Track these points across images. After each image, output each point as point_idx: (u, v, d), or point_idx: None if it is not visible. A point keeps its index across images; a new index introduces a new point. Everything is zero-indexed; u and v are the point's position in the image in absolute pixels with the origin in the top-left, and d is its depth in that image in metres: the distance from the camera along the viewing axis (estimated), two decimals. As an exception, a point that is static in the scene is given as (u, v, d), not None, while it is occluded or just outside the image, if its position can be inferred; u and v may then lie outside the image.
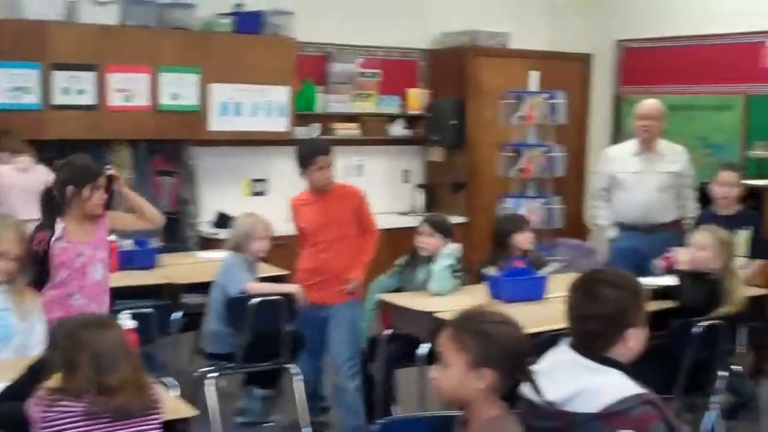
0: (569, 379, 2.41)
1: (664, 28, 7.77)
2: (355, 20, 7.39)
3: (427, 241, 4.84)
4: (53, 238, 3.82)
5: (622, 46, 8.21)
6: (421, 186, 7.90)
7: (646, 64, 7.99)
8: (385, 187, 7.80)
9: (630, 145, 5.92)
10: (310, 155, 4.63)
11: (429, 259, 4.80)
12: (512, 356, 2.34)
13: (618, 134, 8.19)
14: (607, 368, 2.41)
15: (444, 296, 4.61)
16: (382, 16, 7.54)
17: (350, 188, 4.87)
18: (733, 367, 4.67)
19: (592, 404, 2.35)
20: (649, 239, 5.49)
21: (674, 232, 5.58)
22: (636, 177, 5.74)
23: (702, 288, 4.46)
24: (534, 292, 4.54)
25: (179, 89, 6.46)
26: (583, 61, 8.29)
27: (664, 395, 4.16)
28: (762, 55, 7.10)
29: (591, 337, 2.45)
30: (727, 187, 5.38)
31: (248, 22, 6.73)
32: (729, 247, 4.55)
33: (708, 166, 7.12)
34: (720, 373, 4.52)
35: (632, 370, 2.56)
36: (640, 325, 2.47)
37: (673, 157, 5.82)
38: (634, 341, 2.45)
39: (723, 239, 4.54)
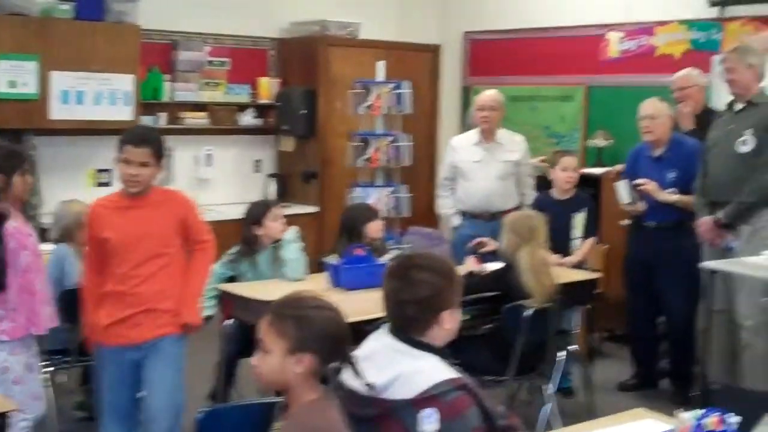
0: (387, 365, 2.44)
1: (510, 20, 7.96)
2: (202, 8, 7.29)
3: (281, 227, 4.83)
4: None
5: (469, 37, 8.37)
6: (272, 176, 7.87)
7: (493, 55, 8.17)
8: (236, 177, 7.75)
9: (471, 135, 6.07)
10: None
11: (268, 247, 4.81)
12: (331, 340, 2.36)
13: (466, 124, 8.34)
14: (423, 353, 2.46)
15: (302, 281, 4.63)
16: (231, 4, 7.47)
17: (174, 193, 3.98)
18: (569, 348, 4.86)
19: (407, 389, 2.39)
20: (491, 226, 5.63)
21: None
22: (477, 166, 5.90)
23: (498, 275, 4.59)
24: (374, 279, 4.54)
25: (17, 77, 6.25)
26: (431, 51, 8.41)
27: (499, 378, 4.34)
28: (602, 47, 7.34)
29: (407, 321, 2.49)
30: (570, 171, 5.57)
31: (90, 9, 6.55)
32: (525, 233, 4.58)
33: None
34: (557, 354, 4.69)
35: (467, 354, 2.62)
36: (454, 307, 2.53)
37: (513, 146, 6.01)
38: (449, 323, 2.51)
39: (516, 224, 4.64)
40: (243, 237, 4.91)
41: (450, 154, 6.12)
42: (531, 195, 6.01)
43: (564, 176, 5.54)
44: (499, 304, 4.45)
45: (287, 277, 4.69)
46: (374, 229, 5.09)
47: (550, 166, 5.73)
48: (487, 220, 5.81)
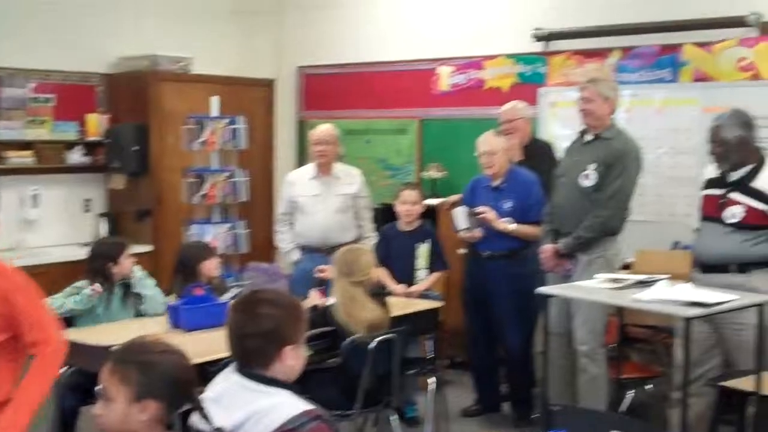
0: (238, 405, 2.40)
1: (343, 55, 8.03)
2: (25, 43, 6.99)
3: (131, 265, 4.83)
4: None
5: (303, 72, 8.39)
6: (103, 215, 7.60)
7: (327, 89, 8.22)
8: (64, 217, 7.42)
9: (308, 169, 6.07)
10: None
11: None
12: (176, 385, 2.31)
13: (302, 158, 8.34)
14: (274, 389, 2.42)
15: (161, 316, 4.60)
16: (56, 39, 7.19)
17: None
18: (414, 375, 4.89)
19: (262, 427, 2.35)
20: (330, 260, 5.62)
21: None
22: (315, 200, 5.90)
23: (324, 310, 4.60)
24: (215, 319, 4.47)
25: None
26: (266, 86, 8.37)
27: (346, 412, 4.31)
28: (433, 81, 7.50)
29: (249, 354, 2.46)
30: (409, 205, 5.74)
31: None
32: (342, 267, 4.59)
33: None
34: (403, 383, 4.72)
35: (313, 390, 2.59)
36: (298, 343, 2.51)
37: (349, 179, 6.05)
38: (292, 359, 2.48)
39: (337, 258, 4.66)
40: (92, 273, 4.78)
41: (287, 189, 6.09)
42: (369, 227, 6.07)
43: (404, 209, 5.71)
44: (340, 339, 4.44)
45: (148, 313, 4.71)
46: (211, 267, 5.04)
47: (394, 199, 5.88)
48: (326, 254, 5.79)
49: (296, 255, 6.00)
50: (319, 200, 5.91)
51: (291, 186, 6.05)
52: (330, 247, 5.75)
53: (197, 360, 3.91)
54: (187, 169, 6.91)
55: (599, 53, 6.57)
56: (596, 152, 4.94)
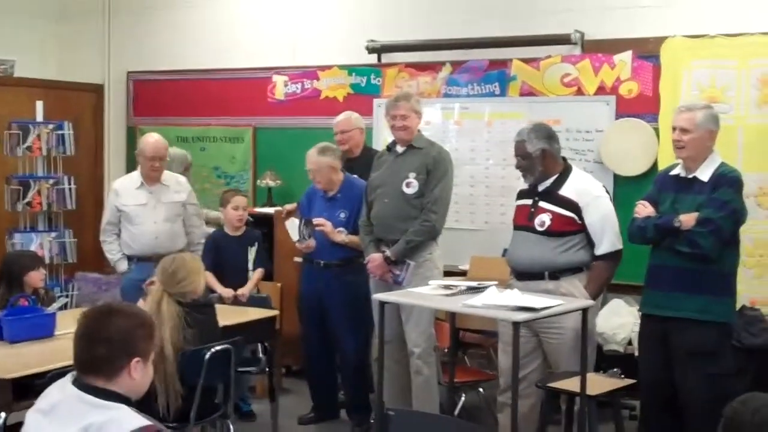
0: (71, 418, 2.30)
1: (176, 61, 7.89)
2: None
3: None
4: None
5: (133, 77, 8.19)
6: None
7: (159, 95, 8.05)
8: None
9: (134, 178, 5.92)
10: None
11: None
12: None
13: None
14: (111, 403, 2.34)
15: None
16: None
17: None
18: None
19: (98, 441, 2.27)
20: None
21: None
22: (143, 209, 5.77)
23: None
24: (41, 330, 4.33)
25: None
26: (94, 91, 8.13)
27: (182, 424, 4.23)
28: (269, 90, 7.47)
29: (96, 362, 2.37)
30: (241, 210, 5.84)
31: None
32: (164, 276, 4.48)
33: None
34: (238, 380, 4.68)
35: (142, 402, 2.52)
36: (146, 359, 2.44)
37: (177, 187, 5.95)
38: (138, 374, 2.41)
39: (159, 267, 4.56)
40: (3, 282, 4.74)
41: (112, 198, 5.90)
42: (199, 234, 6.00)
43: (237, 215, 5.82)
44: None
45: None
46: (36, 278, 4.87)
47: (221, 205, 5.90)
48: (157, 262, 5.67)
49: (124, 265, 5.83)
50: (147, 209, 5.78)
51: (117, 195, 5.86)
52: (160, 256, 5.63)
53: (22, 373, 3.77)
54: (10, 176, 6.62)
55: (431, 66, 6.73)
56: (414, 161, 5.13)
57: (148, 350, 2.46)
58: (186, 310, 4.32)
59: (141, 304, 4.60)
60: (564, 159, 4.78)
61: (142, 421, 2.33)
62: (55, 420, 2.30)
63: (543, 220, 4.61)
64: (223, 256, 5.77)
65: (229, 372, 4.45)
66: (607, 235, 4.57)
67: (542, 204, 4.65)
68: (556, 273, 4.57)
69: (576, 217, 4.58)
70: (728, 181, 4.29)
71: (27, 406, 2.50)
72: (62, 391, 2.39)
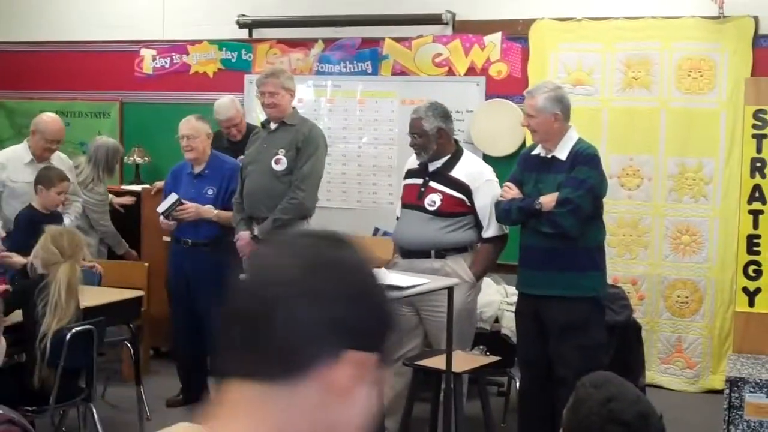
0: None
1: (40, 32, 7.58)
2: None
3: None
4: None
5: (-6, 48, 7.84)
6: None
7: (22, 67, 7.72)
8: None
9: (22, 153, 5.69)
10: None
11: None
12: None
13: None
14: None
15: None
16: None
17: None
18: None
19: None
20: None
21: None
22: (31, 186, 5.55)
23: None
24: None
25: None
26: (-49, 61, 7.74)
27: (40, 408, 4.09)
28: (136, 63, 7.27)
29: None
30: (63, 196, 5.50)
31: None
32: (68, 249, 4.38)
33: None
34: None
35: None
36: None
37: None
38: None
39: (57, 239, 4.40)
40: None
41: None
42: (75, 210, 5.85)
43: (59, 199, 5.47)
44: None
45: None
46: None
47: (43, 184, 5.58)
48: None
49: None
50: (30, 187, 5.57)
51: (3, 168, 5.62)
52: None
53: None
54: None
55: (303, 43, 6.67)
56: (284, 138, 5.09)
57: None
58: None
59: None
60: (456, 141, 4.81)
61: (-6, 408, 2.24)
62: None
63: (433, 200, 4.64)
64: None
65: (91, 354, 4.32)
66: (495, 219, 4.63)
67: (433, 184, 4.68)
68: (443, 252, 4.61)
69: (466, 199, 4.63)
70: (584, 158, 4.39)
71: None
72: None
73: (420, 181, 4.75)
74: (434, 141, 4.68)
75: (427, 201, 4.67)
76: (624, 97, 5.91)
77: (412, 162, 4.88)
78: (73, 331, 4.14)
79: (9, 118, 7.72)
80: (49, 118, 5.79)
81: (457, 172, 4.69)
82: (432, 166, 4.73)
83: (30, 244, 4.66)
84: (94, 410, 4.48)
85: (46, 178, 5.41)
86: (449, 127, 4.74)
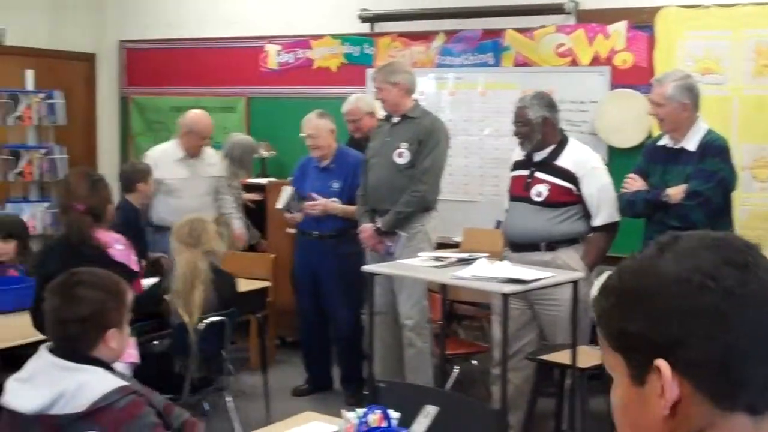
0: (48, 383, 2.33)
1: (169, 30, 7.83)
2: None
3: None
4: None
5: (125, 46, 8.13)
6: None
7: (152, 65, 7.99)
8: None
9: (173, 150, 5.89)
10: None
11: None
12: None
13: (126, 134, 8.10)
14: (87, 366, 2.36)
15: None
16: None
17: None
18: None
19: (76, 403, 2.29)
20: None
21: None
22: (183, 183, 5.77)
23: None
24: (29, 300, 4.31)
25: None
26: (86, 60, 8.06)
27: (175, 397, 4.23)
28: (261, 59, 7.42)
29: (70, 340, 2.38)
30: None
31: None
32: (189, 238, 4.51)
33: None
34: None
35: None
36: (121, 327, 2.44)
37: (214, 159, 6.02)
38: (115, 342, 2.42)
39: (178, 230, 4.54)
40: None
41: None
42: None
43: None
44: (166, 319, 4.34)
45: None
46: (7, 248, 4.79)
47: (140, 180, 5.71)
48: None
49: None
50: (188, 183, 5.79)
51: (155, 167, 5.81)
52: None
53: (9, 343, 3.76)
54: (1, 146, 6.57)
55: (424, 36, 6.67)
56: (406, 131, 5.09)
57: (122, 318, 2.46)
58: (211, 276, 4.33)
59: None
60: (561, 130, 4.76)
61: (118, 381, 2.34)
62: (32, 386, 2.32)
63: (540, 191, 4.60)
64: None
65: (224, 343, 4.43)
66: (604, 207, 4.56)
67: (539, 174, 4.63)
68: (553, 244, 4.56)
69: (573, 188, 4.57)
70: (714, 149, 4.26)
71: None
72: (39, 358, 2.40)
73: (526, 172, 4.71)
74: (539, 130, 4.63)
75: (533, 192, 4.62)
76: (755, 86, 5.69)
77: (518, 153, 4.84)
78: (206, 322, 4.26)
79: (141, 113, 8.00)
80: (198, 115, 5.98)
81: (563, 161, 4.63)
82: (537, 157, 4.68)
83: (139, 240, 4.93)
84: (227, 398, 4.60)
85: (141, 172, 5.60)
86: (554, 116, 4.68)
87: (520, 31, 6.31)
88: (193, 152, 5.87)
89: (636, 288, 1.02)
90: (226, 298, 4.39)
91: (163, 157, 5.89)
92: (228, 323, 4.40)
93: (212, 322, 4.29)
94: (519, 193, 4.71)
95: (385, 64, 5.43)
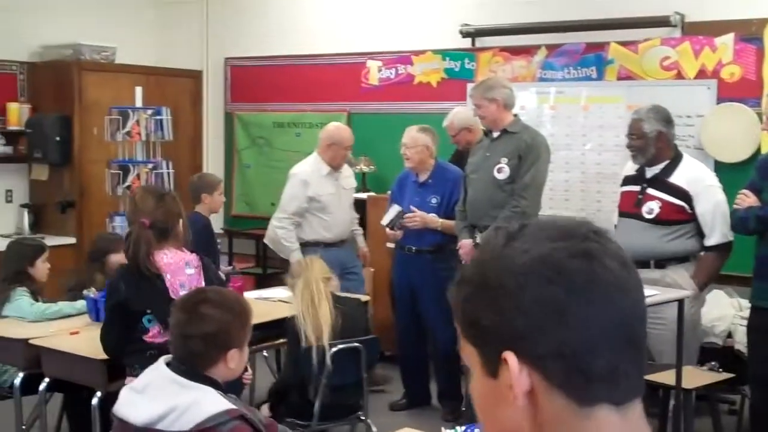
0: (162, 397, 2.38)
1: (271, 47, 7.96)
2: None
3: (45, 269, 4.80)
4: None
5: (230, 63, 8.30)
6: (25, 206, 7.43)
7: (255, 81, 8.14)
8: (-16, 208, 7.27)
9: (318, 166, 5.94)
10: None
11: None
12: None
13: (230, 150, 8.26)
14: (200, 385, 2.40)
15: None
16: (-25, 25, 7.02)
17: None
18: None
19: (183, 421, 2.32)
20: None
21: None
22: (332, 198, 5.88)
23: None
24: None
25: None
26: (192, 77, 8.27)
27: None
28: (363, 75, 7.48)
29: (192, 356, 2.43)
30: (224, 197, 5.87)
31: None
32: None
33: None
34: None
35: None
36: (242, 347, 2.48)
37: (348, 172, 6.14)
38: (234, 363, 2.46)
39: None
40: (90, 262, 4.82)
41: (300, 189, 5.86)
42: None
43: (222, 200, 5.91)
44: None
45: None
46: (119, 259, 4.92)
47: (205, 191, 5.80)
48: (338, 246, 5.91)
49: (299, 254, 5.81)
50: (335, 198, 5.91)
51: (306, 185, 5.88)
52: (344, 241, 5.95)
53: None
54: (110, 161, 6.78)
55: (526, 50, 6.63)
56: (506, 146, 5.06)
57: (244, 339, 2.49)
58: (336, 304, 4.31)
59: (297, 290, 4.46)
60: (676, 146, 4.66)
61: (227, 404, 2.37)
62: (146, 398, 2.37)
63: (651, 208, 4.52)
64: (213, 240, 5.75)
65: (358, 370, 4.38)
66: (718, 226, 4.45)
67: (651, 191, 4.55)
68: (663, 262, 4.47)
69: (686, 206, 4.47)
70: None
71: (120, 386, 2.58)
72: (156, 371, 2.45)
73: (637, 188, 4.62)
74: (653, 144, 4.54)
75: (645, 209, 4.53)
76: None
77: (629, 168, 4.75)
78: (336, 348, 4.21)
79: (245, 129, 8.15)
80: (338, 127, 6.10)
81: (676, 178, 4.52)
82: (650, 172, 4.59)
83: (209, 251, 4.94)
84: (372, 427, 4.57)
85: (208, 184, 5.70)
86: (670, 131, 4.59)
87: (624, 44, 6.22)
88: (337, 164, 5.93)
89: (485, 280, 1.01)
90: (356, 322, 4.39)
91: (311, 174, 5.92)
92: (364, 351, 4.33)
93: (344, 348, 4.23)
94: (629, 209, 4.63)
95: (483, 81, 5.43)
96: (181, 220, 3.64)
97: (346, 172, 6.11)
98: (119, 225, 6.63)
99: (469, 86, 6.69)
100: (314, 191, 5.85)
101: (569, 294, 0.96)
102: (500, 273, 1.00)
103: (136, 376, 3.07)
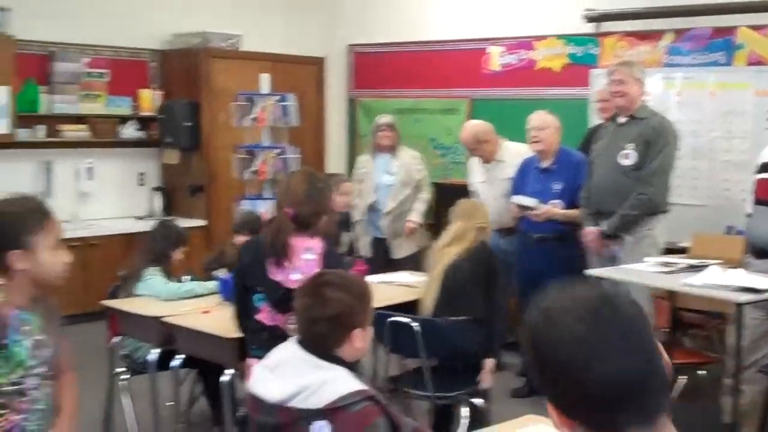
0: (294, 375, 2.44)
1: (394, 33, 8.03)
2: (79, 18, 7.10)
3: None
4: None
5: (353, 50, 8.41)
6: (157, 189, 7.71)
7: (378, 68, 8.23)
8: (119, 190, 7.57)
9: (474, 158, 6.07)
10: None
11: None
12: None
13: (353, 136, 8.38)
14: (332, 365, 2.46)
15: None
16: (109, 14, 7.30)
17: None
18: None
19: (315, 400, 2.39)
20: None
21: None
22: (482, 186, 5.94)
23: None
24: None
25: None
26: (316, 64, 8.41)
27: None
28: (484, 61, 7.47)
29: (318, 337, 2.49)
30: (347, 196, 5.72)
31: (-39, 18, 6.30)
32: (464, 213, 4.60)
33: (440, 167, 7.49)
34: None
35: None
36: (365, 327, 2.54)
37: (511, 161, 5.91)
38: (360, 341, 2.52)
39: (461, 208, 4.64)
40: (153, 255, 4.77)
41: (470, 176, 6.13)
42: None
43: (343, 200, 5.66)
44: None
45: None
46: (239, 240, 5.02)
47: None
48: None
49: None
50: (485, 186, 5.96)
51: (470, 173, 6.05)
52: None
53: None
54: (237, 146, 6.97)
55: (651, 35, 6.51)
56: (633, 132, 4.96)
57: (366, 319, 2.55)
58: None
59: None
60: None
61: (359, 384, 2.43)
62: (279, 376, 2.44)
63: None
64: None
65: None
66: None
67: None
68: (803, 252, 4.33)
69: None
70: None
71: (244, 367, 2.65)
72: (288, 350, 2.53)
73: (775, 175, 4.48)
74: None
75: (782, 197, 4.39)
76: None
77: (766, 155, 4.60)
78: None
79: (367, 115, 8.25)
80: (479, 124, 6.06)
81: (817, 167, 4.37)
82: (788, 160, 4.44)
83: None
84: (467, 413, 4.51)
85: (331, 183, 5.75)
86: None
87: (755, 28, 6.04)
88: (488, 158, 5.98)
89: (533, 351, 1.39)
90: (484, 270, 4.33)
91: (471, 164, 6.12)
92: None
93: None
94: (766, 197, 4.49)
95: (631, 60, 5.34)
96: (322, 216, 3.60)
97: (511, 160, 5.91)
98: (247, 208, 6.79)
99: (593, 72, 6.63)
100: (471, 179, 6.07)
101: (582, 358, 1.32)
102: (540, 347, 1.39)
103: (255, 357, 3.17)
